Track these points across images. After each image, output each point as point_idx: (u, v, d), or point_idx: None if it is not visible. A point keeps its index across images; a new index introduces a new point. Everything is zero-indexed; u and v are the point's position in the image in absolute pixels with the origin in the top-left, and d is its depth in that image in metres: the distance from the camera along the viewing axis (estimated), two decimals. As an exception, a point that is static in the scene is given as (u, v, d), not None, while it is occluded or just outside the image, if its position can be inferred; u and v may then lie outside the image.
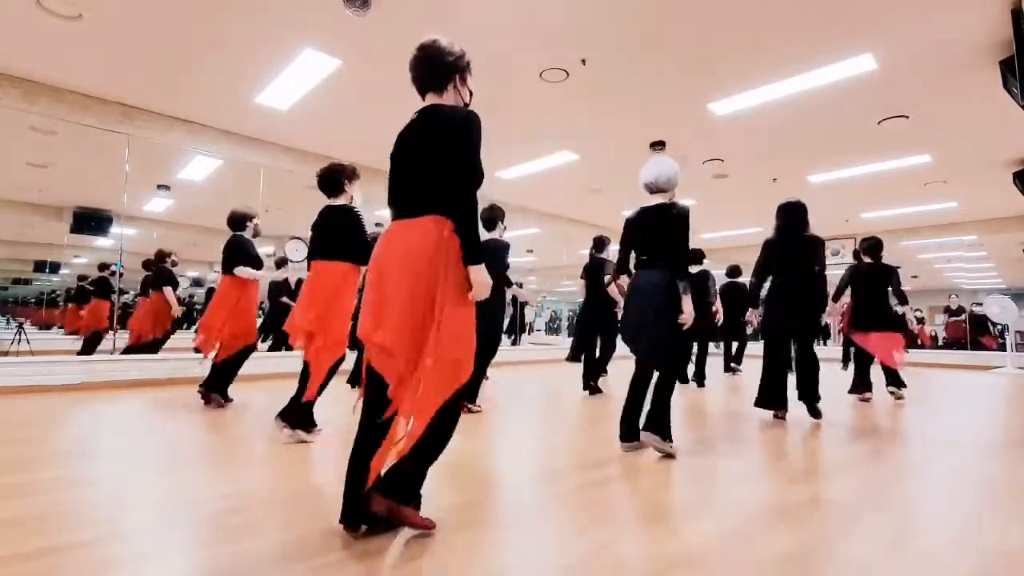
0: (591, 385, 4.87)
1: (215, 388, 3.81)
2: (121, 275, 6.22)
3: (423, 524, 1.58)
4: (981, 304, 10.42)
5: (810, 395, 3.68)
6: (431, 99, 1.75)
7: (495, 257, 3.20)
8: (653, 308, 2.64)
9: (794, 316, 3.66)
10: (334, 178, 3.00)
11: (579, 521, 1.69)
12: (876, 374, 4.86)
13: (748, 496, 1.98)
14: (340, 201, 3.00)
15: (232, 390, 3.98)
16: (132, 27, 3.74)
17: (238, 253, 3.88)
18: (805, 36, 3.73)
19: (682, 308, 2.61)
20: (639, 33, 3.73)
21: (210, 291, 6.97)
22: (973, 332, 10.61)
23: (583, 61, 4.11)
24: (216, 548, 1.45)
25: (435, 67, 1.72)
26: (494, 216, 3.91)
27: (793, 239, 3.69)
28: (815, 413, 3.68)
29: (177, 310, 5.80)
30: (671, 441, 2.59)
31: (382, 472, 1.51)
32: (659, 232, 2.74)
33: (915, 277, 14.16)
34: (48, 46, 4.00)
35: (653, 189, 2.81)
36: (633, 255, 2.92)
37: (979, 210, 8.45)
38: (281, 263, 5.31)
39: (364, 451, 1.53)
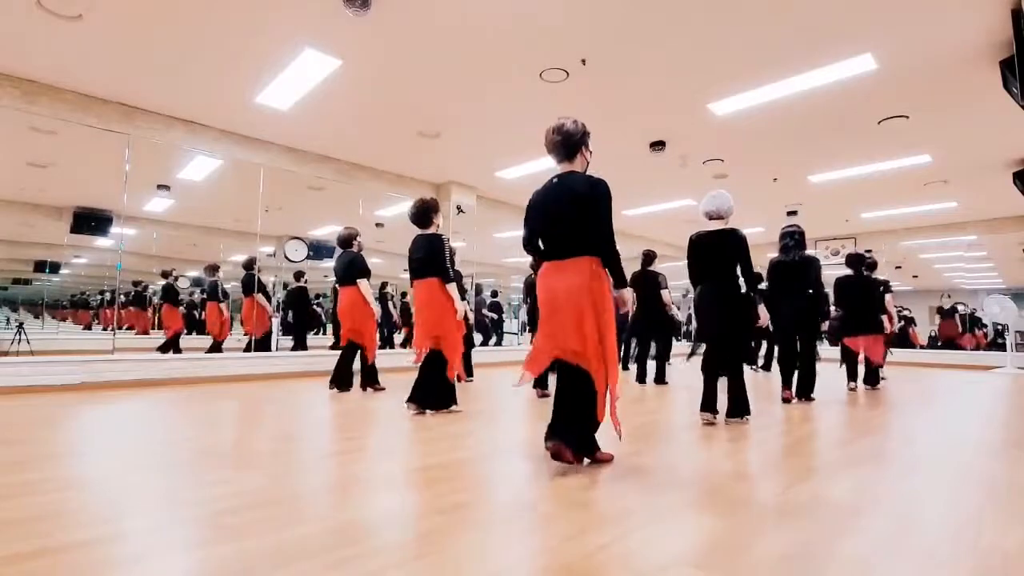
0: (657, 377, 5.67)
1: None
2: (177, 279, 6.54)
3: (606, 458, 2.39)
4: (964, 304, 10.52)
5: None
6: (565, 167, 2.46)
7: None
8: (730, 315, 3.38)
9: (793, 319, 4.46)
10: (424, 211, 3.74)
11: (579, 521, 1.69)
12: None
13: (748, 496, 1.98)
14: (430, 231, 3.74)
15: (231, 391, 3.98)
16: (132, 27, 3.74)
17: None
18: (805, 36, 3.73)
19: (756, 314, 3.65)
20: (639, 33, 3.73)
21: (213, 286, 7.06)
22: (980, 335, 10.67)
23: (583, 61, 4.11)
24: (216, 548, 1.45)
25: (570, 143, 2.45)
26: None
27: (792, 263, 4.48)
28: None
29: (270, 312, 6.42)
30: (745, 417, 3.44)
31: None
32: (721, 251, 3.42)
33: (915, 277, 14.16)
34: (48, 46, 4.00)
35: (714, 216, 3.50)
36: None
37: (979, 210, 8.45)
38: (249, 264, 5.87)
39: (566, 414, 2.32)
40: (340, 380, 4.65)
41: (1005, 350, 8.61)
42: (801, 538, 1.57)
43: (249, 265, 6.40)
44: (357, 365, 4.76)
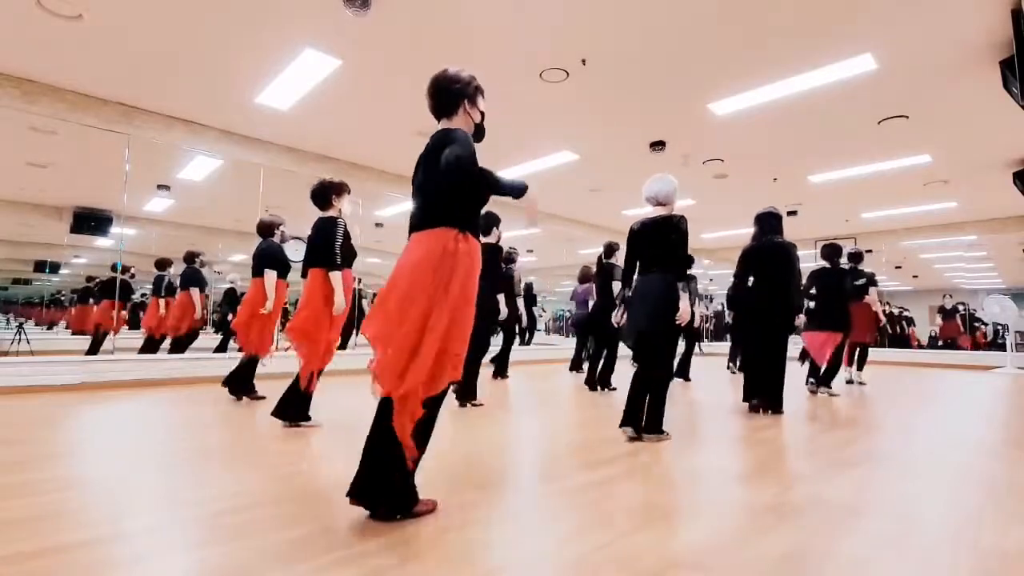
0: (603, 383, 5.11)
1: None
2: (133, 276, 6.29)
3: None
4: (964, 303, 10.50)
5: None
6: (443, 124, 1.92)
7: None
8: (653, 310, 2.93)
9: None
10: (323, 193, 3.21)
11: (579, 521, 1.69)
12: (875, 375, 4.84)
13: (748, 496, 1.98)
14: (329, 213, 3.20)
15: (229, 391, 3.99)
16: (132, 27, 3.74)
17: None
18: (805, 36, 3.73)
19: (679, 308, 2.87)
20: (639, 33, 3.73)
21: (231, 292, 7.03)
22: (980, 335, 10.67)
23: (583, 61, 4.11)
24: (216, 548, 1.45)
25: (447, 94, 1.96)
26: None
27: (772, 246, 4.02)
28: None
29: (200, 312, 5.90)
30: (664, 432, 2.93)
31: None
32: (661, 241, 3.03)
33: (915, 277, 14.17)
34: (48, 46, 4.00)
35: (655, 202, 3.17)
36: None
37: (979, 210, 8.45)
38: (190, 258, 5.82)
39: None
40: (234, 383, 4.15)
41: (1005, 350, 8.61)
42: (801, 538, 1.57)
43: (190, 259, 5.90)
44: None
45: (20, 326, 6.36)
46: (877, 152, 6.02)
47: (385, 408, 1.64)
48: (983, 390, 5.87)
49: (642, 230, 3.16)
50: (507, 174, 7.37)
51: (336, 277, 3.05)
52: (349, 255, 3.19)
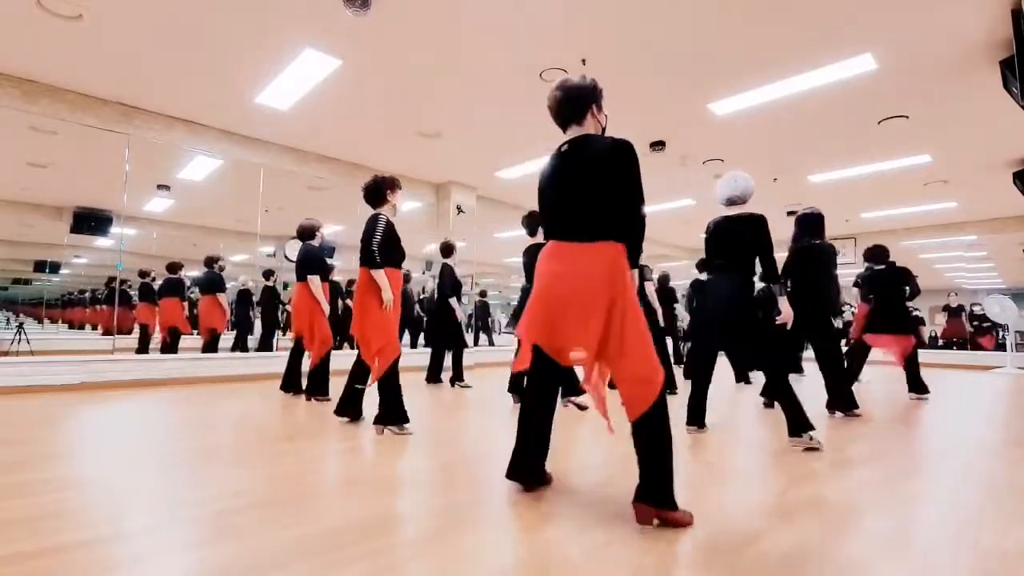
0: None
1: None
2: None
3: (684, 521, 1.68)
4: (980, 304, 10.42)
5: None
6: (574, 131, 1.93)
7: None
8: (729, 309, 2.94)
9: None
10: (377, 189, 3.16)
11: (579, 521, 1.69)
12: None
13: (748, 496, 1.98)
14: (382, 210, 3.14)
15: (230, 391, 3.98)
16: (132, 27, 3.74)
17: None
18: (805, 36, 3.73)
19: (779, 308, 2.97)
20: (639, 33, 3.73)
21: (244, 293, 7.06)
22: (973, 332, 10.62)
23: (583, 61, 4.11)
24: (216, 548, 1.45)
25: (577, 101, 1.93)
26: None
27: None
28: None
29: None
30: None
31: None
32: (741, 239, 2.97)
33: (915, 276, 14.15)
34: (48, 46, 4.00)
35: (735, 201, 3.06)
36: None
37: (979, 210, 8.45)
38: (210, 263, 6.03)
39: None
40: (290, 383, 4.36)
41: (1005, 350, 8.61)
42: (801, 538, 1.57)
43: (210, 263, 6.14)
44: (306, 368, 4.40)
45: (20, 326, 6.35)
46: (877, 152, 6.02)
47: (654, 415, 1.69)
48: (983, 390, 5.87)
49: (720, 227, 3.07)
50: (508, 173, 7.41)
51: (379, 275, 2.98)
52: (395, 253, 3.09)
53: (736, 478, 2.24)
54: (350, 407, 3.27)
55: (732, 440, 3.00)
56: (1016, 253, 10.37)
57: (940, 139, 5.60)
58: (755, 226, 2.94)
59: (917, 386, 4.81)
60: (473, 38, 3.84)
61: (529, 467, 1.96)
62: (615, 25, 3.64)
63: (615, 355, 1.73)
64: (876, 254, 5.05)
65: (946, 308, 11.06)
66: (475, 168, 6.99)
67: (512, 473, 1.97)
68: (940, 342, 11.18)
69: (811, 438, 2.74)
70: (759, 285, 3.07)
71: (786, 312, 2.99)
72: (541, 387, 1.96)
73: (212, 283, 6.11)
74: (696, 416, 3.15)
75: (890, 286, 4.91)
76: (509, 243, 10.12)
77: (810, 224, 3.95)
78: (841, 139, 5.66)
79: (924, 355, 9.81)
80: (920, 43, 3.77)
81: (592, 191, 1.80)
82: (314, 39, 3.88)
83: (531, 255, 3.94)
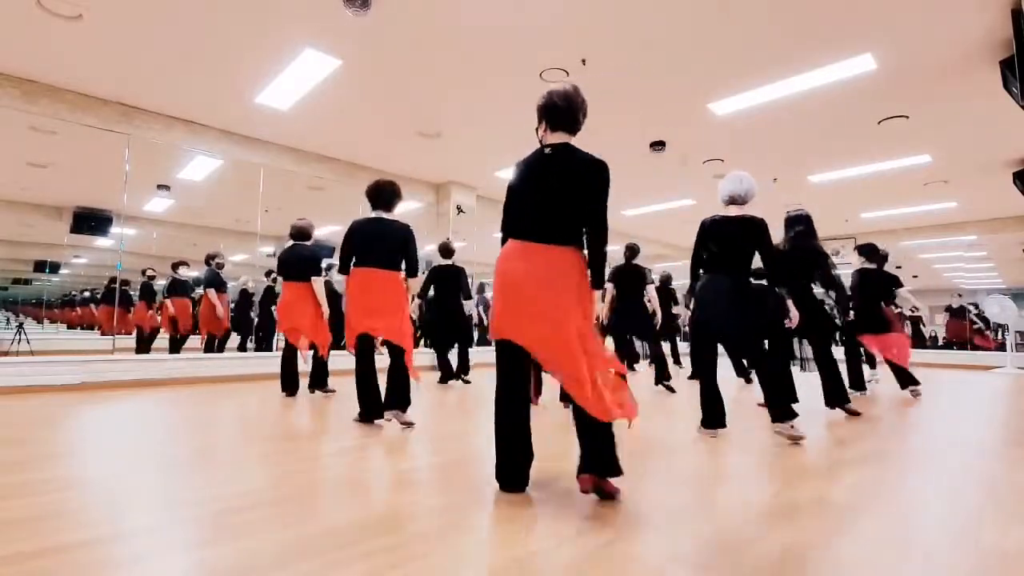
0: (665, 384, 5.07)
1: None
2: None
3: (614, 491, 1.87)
4: (976, 305, 10.47)
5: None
6: (561, 137, 2.03)
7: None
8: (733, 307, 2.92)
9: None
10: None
11: (579, 521, 1.69)
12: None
13: (748, 496, 1.98)
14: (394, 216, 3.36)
15: (230, 391, 3.98)
16: (132, 27, 3.74)
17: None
18: (805, 36, 3.73)
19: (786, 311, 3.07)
20: (639, 33, 3.73)
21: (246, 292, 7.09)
22: (972, 332, 10.65)
23: (583, 61, 4.11)
24: (216, 548, 1.45)
25: (578, 114, 2.06)
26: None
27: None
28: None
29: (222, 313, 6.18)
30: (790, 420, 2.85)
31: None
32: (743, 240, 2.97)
33: (915, 277, 14.15)
34: (48, 46, 4.00)
35: (741, 201, 3.07)
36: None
37: (979, 210, 8.45)
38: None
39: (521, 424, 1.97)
40: (289, 383, 4.36)
41: (1005, 350, 8.61)
42: (801, 538, 1.57)
43: (208, 260, 6.22)
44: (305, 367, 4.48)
45: (20, 326, 6.35)
46: (877, 152, 6.02)
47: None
48: (983, 390, 5.87)
49: (721, 227, 3.03)
50: (508, 173, 7.39)
51: (415, 282, 3.39)
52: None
53: (736, 478, 2.24)
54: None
55: (732, 440, 3.00)
56: (1016, 253, 10.36)
57: (940, 139, 5.60)
58: (758, 229, 2.95)
59: (906, 379, 4.86)
60: (473, 38, 3.84)
61: (514, 470, 1.96)
62: (615, 25, 3.64)
63: (583, 353, 1.83)
64: (870, 250, 5.05)
65: (948, 308, 11.08)
66: (475, 168, 6.99)
67: (500, 476, 1.98)
68: (941, 342, 11.18)
69: (792, 427, 2.79)
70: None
71: (795, 314, 3.09)
72: (513, 382, 1.98)
73: (213, 281, 6.17)
74: (712, 419, 3.01)
75: (878, 286, 4.96)
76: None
77: (799, 224, 3.92)
78: (841, 139, 5.66)
79: (924, 355, 9.86)
80: (920, 43, 3.77)
81: (571, 199, 1.89)
82: (314, 39, 3.88)
83: None
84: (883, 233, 9.99)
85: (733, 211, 3.05)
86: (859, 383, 4.83)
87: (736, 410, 4.05)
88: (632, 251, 5.05)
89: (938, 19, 3.48)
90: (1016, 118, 4.64)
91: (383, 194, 3.28)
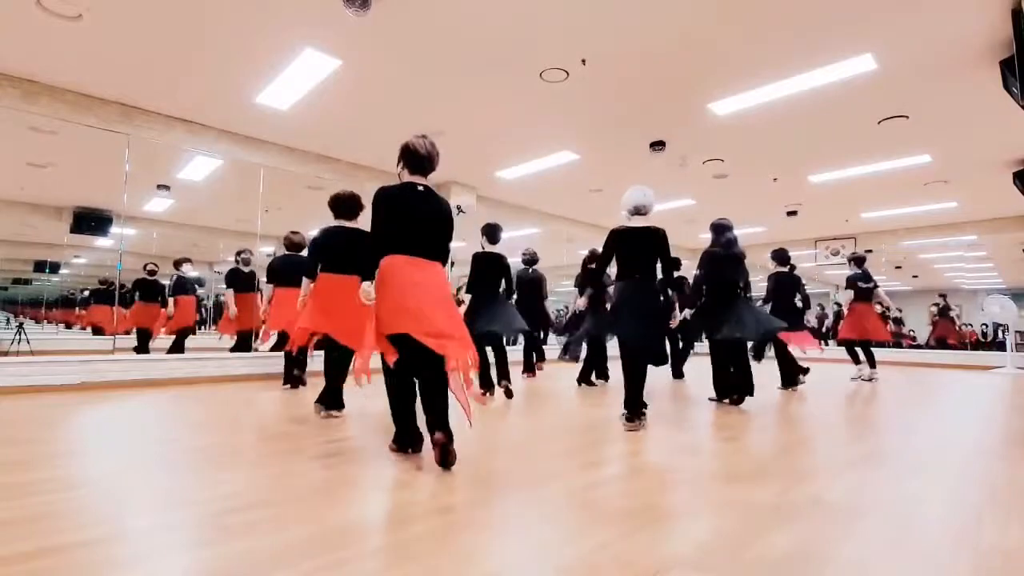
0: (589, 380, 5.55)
1: None
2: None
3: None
4: (959, 305, 10.70)
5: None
6: (420, 179, 2.55)
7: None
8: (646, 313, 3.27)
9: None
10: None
11: (578, 521, 1.69)
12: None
13: (748, 496, 1.98)
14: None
15: (231, 391, 3.98)
16: (132, 27, 3.74)
17: None
18: (805, 36, 3.73)
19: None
20: (639, 33, 3.73)
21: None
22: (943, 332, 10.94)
23: (583, 61, 4.10)
24: (216, 548, 1.45)
25: (436, 162, 2.61)
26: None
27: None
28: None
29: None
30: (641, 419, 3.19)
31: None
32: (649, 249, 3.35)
33: (915, 277, 14.16)
34: (48, 46, 4.00)
35: (642, 211, 3.42)
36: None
37: (979, 210, 8.45)
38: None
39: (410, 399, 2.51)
40: (290, 378, 4.76)
41: (1005, 350, 8.61)
42: (801, 538, 1.57)
43: (176, 265, 6.45)
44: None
45: (20, 326, 6.35)
46: (877, 152, 6.02)
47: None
48: (983, 390, 5.87)
49: (629, 236, 3.38)
50: (508, 173, 7.42)
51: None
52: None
53: (736, 478, 2.24)
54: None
55: (731, 440, 3.00)
56: (1016, 253, 10.37)
57: (940, 139, 5.60)
58: (661, 239, 3.36)
59: (792, 378, 5.32)
60: (473, 38, 3.84)
61: (411, 434, 2.50)
62: (615, 25, 3.64)
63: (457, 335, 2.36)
64: (782, 256, 5.69)
65: (936, 306, 11.19)
66: (475, 168, 6.98)
67: (397, 443, 2.51)
68: (931, 343, 11.21)
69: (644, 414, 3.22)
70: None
71: (677, 315, 3.75)
72: (405, 368, 2.42)
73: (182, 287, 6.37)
74: (635, 407, 3.21)
75: (789, 287, 5.63)
76: (509, 243, 10.10)
77: (729, 231, 4.36)
78: (841, 139, 5.66)
79: (924, 355, 9.87)
80: (920, 43, 3.77)
81: (443, 229, 2.53)
82: (314, 39, 3.88)
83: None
84: (883, 233, 9.99)
85: (638, 221, 3.40)
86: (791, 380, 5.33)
87: (736, 410, 4.04)
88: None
89: (938, 19, 3.48)
90: (1016, 118, 4.64)
91: (344, 204, 3.79)
